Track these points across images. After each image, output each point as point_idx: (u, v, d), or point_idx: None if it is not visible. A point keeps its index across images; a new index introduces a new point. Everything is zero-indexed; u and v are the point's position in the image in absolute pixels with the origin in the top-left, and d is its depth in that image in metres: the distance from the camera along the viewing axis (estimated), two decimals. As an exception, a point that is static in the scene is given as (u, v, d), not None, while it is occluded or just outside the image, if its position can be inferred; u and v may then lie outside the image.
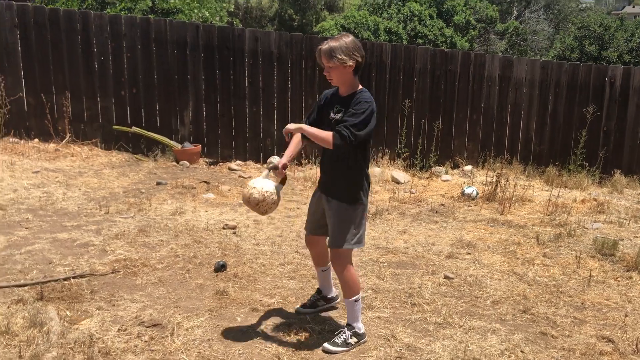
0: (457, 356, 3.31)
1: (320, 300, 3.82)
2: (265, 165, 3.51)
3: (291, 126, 3.21)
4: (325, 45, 3.15)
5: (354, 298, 3.36)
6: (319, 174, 3.51)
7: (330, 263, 3.65)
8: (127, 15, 9.29)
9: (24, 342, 3.14)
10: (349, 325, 3.39)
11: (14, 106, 7.98)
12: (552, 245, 5.46)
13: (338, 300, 3.87)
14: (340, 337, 3.34)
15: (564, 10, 31.15)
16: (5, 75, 7.96)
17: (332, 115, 3.27)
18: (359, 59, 3.17)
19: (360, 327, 3.41)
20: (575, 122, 8.68)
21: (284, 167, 3.33)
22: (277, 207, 3.43)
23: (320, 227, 3.52)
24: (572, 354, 3.45)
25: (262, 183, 3.30)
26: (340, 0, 26.02)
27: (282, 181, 3.43)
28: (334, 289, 3.85)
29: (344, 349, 3.30)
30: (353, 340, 3.35)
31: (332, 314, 3.82)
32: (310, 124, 3.30)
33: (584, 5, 34.58)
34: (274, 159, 3.17)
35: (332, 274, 3.74)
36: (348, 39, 3.17)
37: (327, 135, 3.10)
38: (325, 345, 3.31)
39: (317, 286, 3.91)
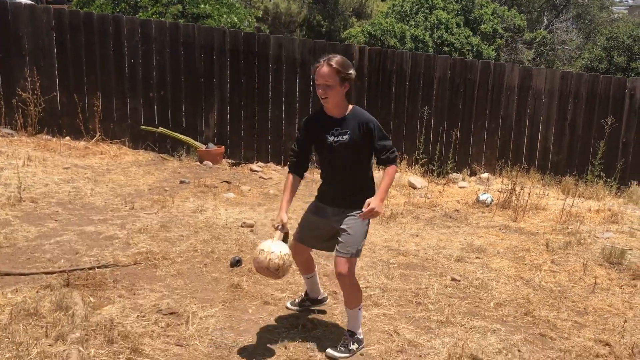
0: (455, 352, 3.46)
1: (307, 301, 3.95)
2: (275, 230, 3.43)
3: (376, 204, 3.23)
4: (331, 62, 3.22)
5: (357, 307, 3.45)
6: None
7: (314, 270, 3.81)
8: (157, 19, 9.62)
9: (50, 323, 3.40)
10: (351, 332, 3.47)
11: (47, 105, 8.35)
12: (561, 253, 5.56)
13: (326, 302, 3.97)
14: (342, 343, 3.44)
15: (595, 20, 30.79)
16: (41, 75, 8.33)
17: (332, 138, 3.34)
18: (351, 84, 3.33)
19: (360, 332, 3.51)
20: (594, 133, 8.72)
21: (285, 224, 3.35)
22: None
23: (318, 243, 3.59)
24: (568, 355, 3.58)
25: (278, 246, 3.22)
26: (368, 7, 26.16)
27: (285, 238, 3.38)
28: (322, 290, 3.97)
29: (347, 354, 3.40)
30: (355, 346, 3.44)
31: (337, 312, 3.99)
32: (302, 157, 3.48)
33: (615, 16, 34.07)
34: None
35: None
36: (346, 60, 3.32)
37: (394, 171, 3.37)
38: (329, 350, 3.40)
39: (314, 286, 3.93)
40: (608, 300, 4.50)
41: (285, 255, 3.21)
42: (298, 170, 3.50)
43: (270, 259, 3.17)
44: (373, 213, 3.26)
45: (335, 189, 3.46)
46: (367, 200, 3.28)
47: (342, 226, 3.38)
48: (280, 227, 3.34)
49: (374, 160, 3.48)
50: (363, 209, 3.26)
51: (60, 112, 8.57)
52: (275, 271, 3.20)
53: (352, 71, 3.32)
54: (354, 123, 3.33)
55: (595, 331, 3.94)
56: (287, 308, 3.97)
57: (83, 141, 8.39)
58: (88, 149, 8.19)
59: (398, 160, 3.40)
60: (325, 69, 3.24)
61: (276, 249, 3.20)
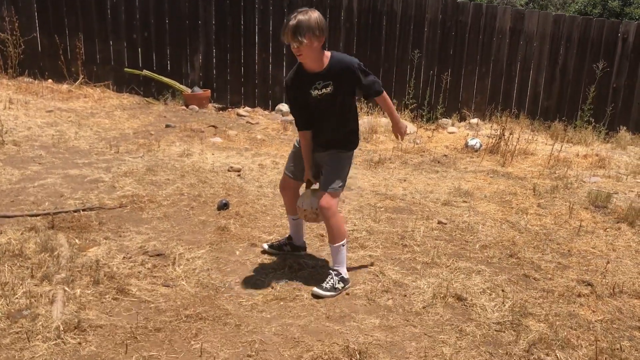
0: (440, 292, 3.50)
1: (287, 245, 3.92)
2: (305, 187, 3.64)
3: (405, 126, 3.63)
4: (294, 22, 3.07)
5: (340, 243, 3.46)
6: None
7: None
8: (139, -43, 9.26)
9: (35, 264, 3.38)
10: (336, 271, 3.48)
11: (27, 46, 8.11)
12: (547, 197, 5.59)
13: (303, 253, 3.96)
14: (328, 282, 3.44)
15: (590, -36, 30.12)
16: (20, 15, 8.06)
17: (315, 92, 3.29)
18: (325, 34, 3.19)
19: (345, 272, 3.51)
20: (585, 78, 8.65)
21: (313, 180, 3.57)
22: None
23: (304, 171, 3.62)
24: (551, 295, 3.63)
25: (305, 201, 3.53)
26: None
27: (315, 191, 3.56)
28: (303, 239, 3.97)
29: (332, 293, 3.40)
30: (340, 285, 3.44)
31: (324, 254, 4.01)
32: (304, 114, 3.42)
33: (611, -41, 33.29)
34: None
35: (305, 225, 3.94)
36: (315, 14, 3.13)
37: (387, 98, 3.48)
38: (314, 289, 3.40)
39: (299, 230, 3.95)
40: (592, 242, 4.55)
41: (315, 209, 3.49)
42: (307, 126, 3.45)
43: (305, 215, 3.59)
44: (406, 131, 3.67)
45: (326, 135, 3.46)
46: (398, 128, 3.57)
47: (324, 161, 3.47)
48: (308, 185, 3.61)
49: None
50: (398, 138, 3.66)
51: (42, 54, 8.34)
52: (313, 220, 3.60)
53: (309, 36, 3.08)
54: (336, 71, 3.26)
55: (579, 272, 3.99)
56: (263, 250, 3.93)
57: (66, 84, 8.21)
58: (71, 92, 8.02)
59: (382, 90, 3.44)
60: (290, 29, 3.08)
61: (307, 206, 3.52)
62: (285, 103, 8.38)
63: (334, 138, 3.44)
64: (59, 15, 8.25)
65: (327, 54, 3.28)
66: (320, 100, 3.31)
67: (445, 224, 4.73)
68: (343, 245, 3.48)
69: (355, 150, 3.61)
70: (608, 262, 4.12)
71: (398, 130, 3.57)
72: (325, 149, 3.48)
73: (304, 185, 3.68)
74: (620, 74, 8.67)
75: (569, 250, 4.38)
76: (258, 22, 8.53)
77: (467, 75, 8.81)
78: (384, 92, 3.44)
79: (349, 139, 3.49)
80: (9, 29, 7.90)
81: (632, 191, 5.97)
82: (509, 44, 8.69)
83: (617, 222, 4.98)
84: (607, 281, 3.85)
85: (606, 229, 4.85)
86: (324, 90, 3.28)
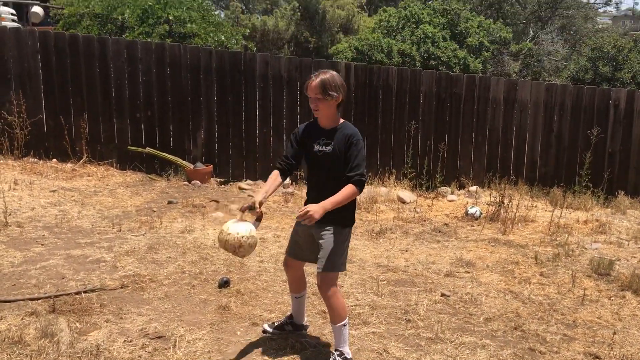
0: (445, 370, 3.45)
1: (289, 325, 3.86)
2: (239, 208, 3.49)
3: (314, 209, 3.19)
4: (317, 79, 3.34)
5: (342, 323, 3.41)
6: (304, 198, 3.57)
7: (305, 291, 3.79)
8: (143, 40, 9.65)
9: (35, 352, 3.35)
10: (338, 351, 3.44)
11: (34, 128, 8.31)
12: (549, 265, 5.57)
13: (306, 331, 3.91)
14: None
15: (580, 31, 31.17)
16: (27, 98, 8.31)
17: (317, 147, 3.41)
18: (343, 96, 3.40)
19: (348, 352, 3.46)
20: (580, 144, 8.79)
21: (260, 204, 3.31)
22: (255, 248, 3.36)
23: (306, 254, 3.58)
24: (558, 370, 3.57)
25: (236, 228, 3.23)
26: (355, 23, 26.39)
27: (259, 218, 3.39)
28: (305, 318, 3.92)
29: None
30: None
31: (326, 332, 3.97)
32: (290, 161, 3.53)
33: (600, 26, 34.49)
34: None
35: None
36: (335, 75, 3.41)
37: (352, 191, 3.30)
38: None
39: (301, 308, 3.89)
40: (597, 312, 4.50)
41: (242, 237, 3.21)
42: (282, 171, 3.54)
43: (226, 241, 3.23)
44: (307, 216, 3.20)
45: (316, 197, 3.44)
46: (306, 208, 3.24)
47: (319, 241, 3.42)
48: (246, 206, 3.34)
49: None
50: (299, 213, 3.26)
51: (47, 135, 8.54)
52: (234, 252, 3.25)
53: (335, 93, 3.33)
54: (340, 135, 3.39)
55: (585, 344, 3.94)
56: (264, 332, 3.86)
57: (70, 163, 8.35)
58: (75, 171, 8.15)
59: (361, 188, 3.35)
60: (313, 83, 3.35)
61: (233, 231, 3.22)
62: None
63: (321, 200, 3.32)
64: (65, 97, 8.51)
65: (342, 120, 3.47)
66: (319, 156, 3.42)
67: (449, 296, 4.70)
68: (345, 325, 3.45)
69: (356, 221, 3.60)
70: (615, 333, 4.07)
71: (309, 206, 3.25)
72: (321, 220, 3.31)
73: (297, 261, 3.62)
74: (614, 139, 8.82)
75: (574, 321, 4.33)
76: (259, 99, 8.77)
77: (463, 144, 8.96)
78: (354, 187, 3.30)
79: (344, 213, 3.39)
80: (16, 111, 8.12)
81: (634, 257, 5.95)
82: (504, 112, 8.89)
83: (622, 290, 4.94)
84: (615, 353, 3.79)
85: (610, 297, 4.81)
86: (324, 148, 3.40)
